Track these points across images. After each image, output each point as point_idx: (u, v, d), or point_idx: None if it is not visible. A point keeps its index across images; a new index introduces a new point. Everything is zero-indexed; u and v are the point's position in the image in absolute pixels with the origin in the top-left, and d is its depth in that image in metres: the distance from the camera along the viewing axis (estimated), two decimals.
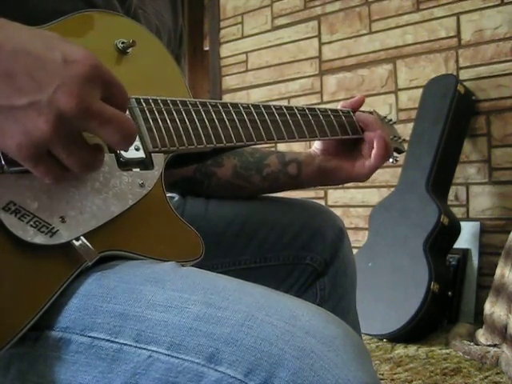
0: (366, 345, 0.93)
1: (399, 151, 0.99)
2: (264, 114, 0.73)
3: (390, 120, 1.00)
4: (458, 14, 2.33)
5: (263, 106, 0.74)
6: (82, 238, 0.52)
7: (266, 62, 2.96)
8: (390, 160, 0.98)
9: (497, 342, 1.75)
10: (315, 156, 0.88)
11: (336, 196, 2.72)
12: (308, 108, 0.81)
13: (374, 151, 0.84)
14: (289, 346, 0.43)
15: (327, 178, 0.89)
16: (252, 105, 0.73)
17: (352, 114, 0.87)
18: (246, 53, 3.04)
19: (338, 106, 0.88)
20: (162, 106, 0.62)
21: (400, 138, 1.00)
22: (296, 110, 0.78)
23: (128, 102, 0.49)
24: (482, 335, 1.85)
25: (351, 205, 2.66)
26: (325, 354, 0.43)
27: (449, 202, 2.27)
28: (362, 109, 0.91)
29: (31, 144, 0.44)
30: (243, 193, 0.92)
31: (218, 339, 0.45)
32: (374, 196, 2.57)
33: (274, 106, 0.76)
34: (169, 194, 0.93)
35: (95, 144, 0.49)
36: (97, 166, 0.50)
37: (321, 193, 2.75)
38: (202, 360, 0.45)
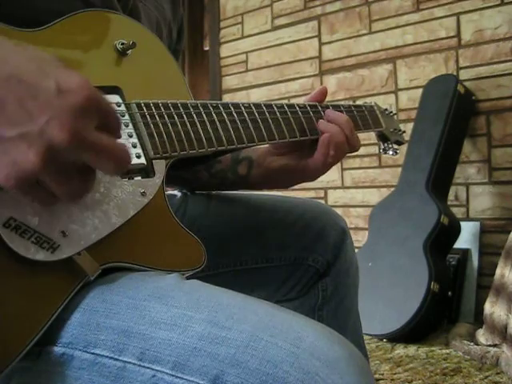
0: (366, 345, 0.93)
1: (399, 143, 1.00)
2: (265, 112, 0.73)
3: (391, 112, 1.00)
4: (457, 14, 2.33)
5: (265, 105, 0.74)
6: (83, 251, 0.51)
7: (265, 62, 2.96)
8: (390, 152, 0.99)
9: (497, 342, 1.75)
10: (267, 155, 0.83)
11: (336, 196, 2.71)
12: (309, 105, 0.81)
13: (318, 148, 0.77)
14: (293, 368, 0.43)
15: (274, 180, 0.83)
16: (253, 104, 0.73)
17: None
18: (246, 53, 3.04)
19: (302, 100, 0.82)
20: (162, 109, 0.61)
21: (400, 130, 1.00)
22: (298, 108, 0.78)
23: (120, 127, 0.47)
24: (482, 335, 1.85)
25: (351, 205, 2.66)
26: (329, 377, 0.43)
27: (449, 202, 2.26)
28: (363, 104, 0.92)
29: (20, 176, 0.42)
30: (191, 186, 0.89)
31: (222, 360, 0.44)
32: (373, 196, 2.56)
33: (275, 105, 0.76)
34: (171, 192, 0.92)
35: (86, 172, 0.46)
36: (86, 194, 0.48)
37: (321, 192, 2.74)
38: (206, 381, 0.44)
